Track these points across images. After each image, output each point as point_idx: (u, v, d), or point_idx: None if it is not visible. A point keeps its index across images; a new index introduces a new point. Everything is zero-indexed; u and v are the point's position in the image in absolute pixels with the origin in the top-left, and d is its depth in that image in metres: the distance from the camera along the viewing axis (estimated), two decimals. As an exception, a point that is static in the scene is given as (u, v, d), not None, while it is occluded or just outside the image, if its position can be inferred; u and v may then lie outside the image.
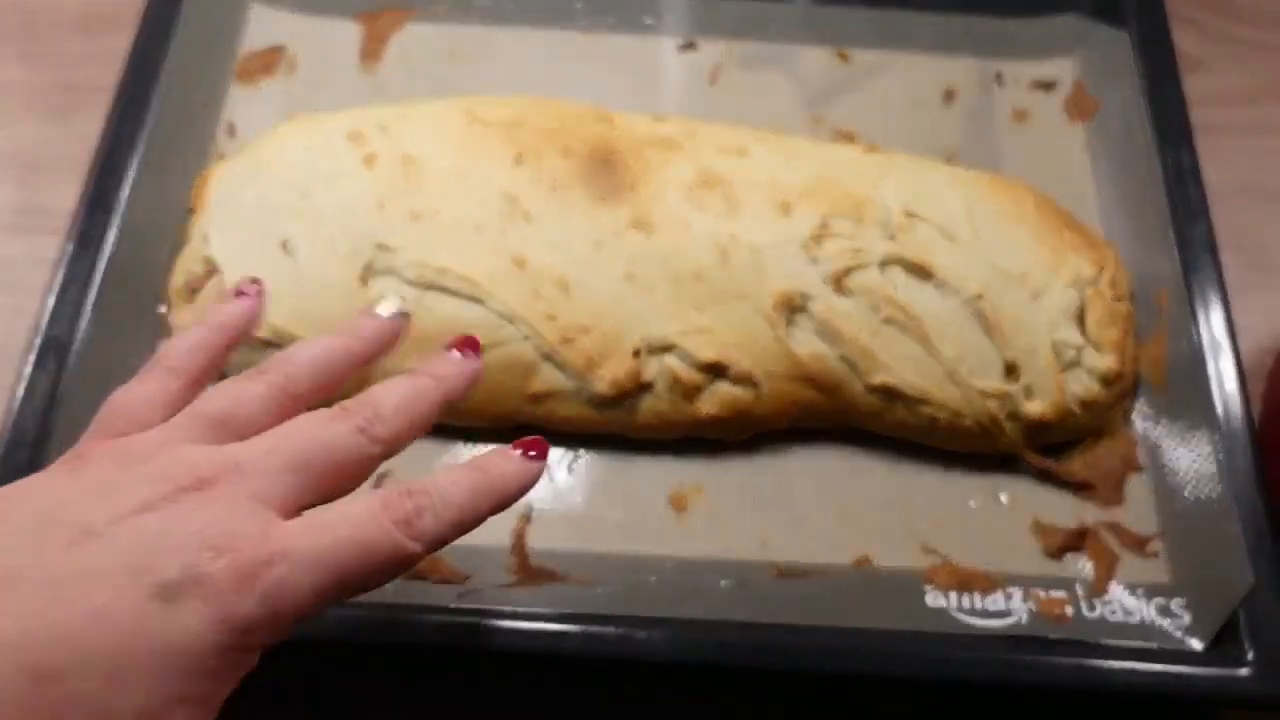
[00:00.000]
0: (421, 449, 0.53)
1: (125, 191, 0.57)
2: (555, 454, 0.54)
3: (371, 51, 0.65)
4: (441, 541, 0.34)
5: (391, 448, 0.36)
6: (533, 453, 0.38)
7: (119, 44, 0.62)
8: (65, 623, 0.28)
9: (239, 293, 0.44)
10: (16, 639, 0.28)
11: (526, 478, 0.37)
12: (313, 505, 0.34)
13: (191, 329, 0.40)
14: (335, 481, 0.35)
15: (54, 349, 0.53)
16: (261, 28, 0.65)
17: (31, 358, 0.52)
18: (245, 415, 0.35)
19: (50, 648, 0.28)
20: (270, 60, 0.64)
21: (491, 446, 0.53)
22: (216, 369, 0.40)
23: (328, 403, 0.37)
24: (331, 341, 0.40)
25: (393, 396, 0.37)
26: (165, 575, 0.29)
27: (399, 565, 0.33)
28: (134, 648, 0.29)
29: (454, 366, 0.41)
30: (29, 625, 0.28)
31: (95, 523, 0.30)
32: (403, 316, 0.44)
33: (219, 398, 0.36)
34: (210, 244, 0.54)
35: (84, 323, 0.53)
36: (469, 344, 0.42)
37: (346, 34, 0.66)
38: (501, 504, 0.36)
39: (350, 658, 0.51)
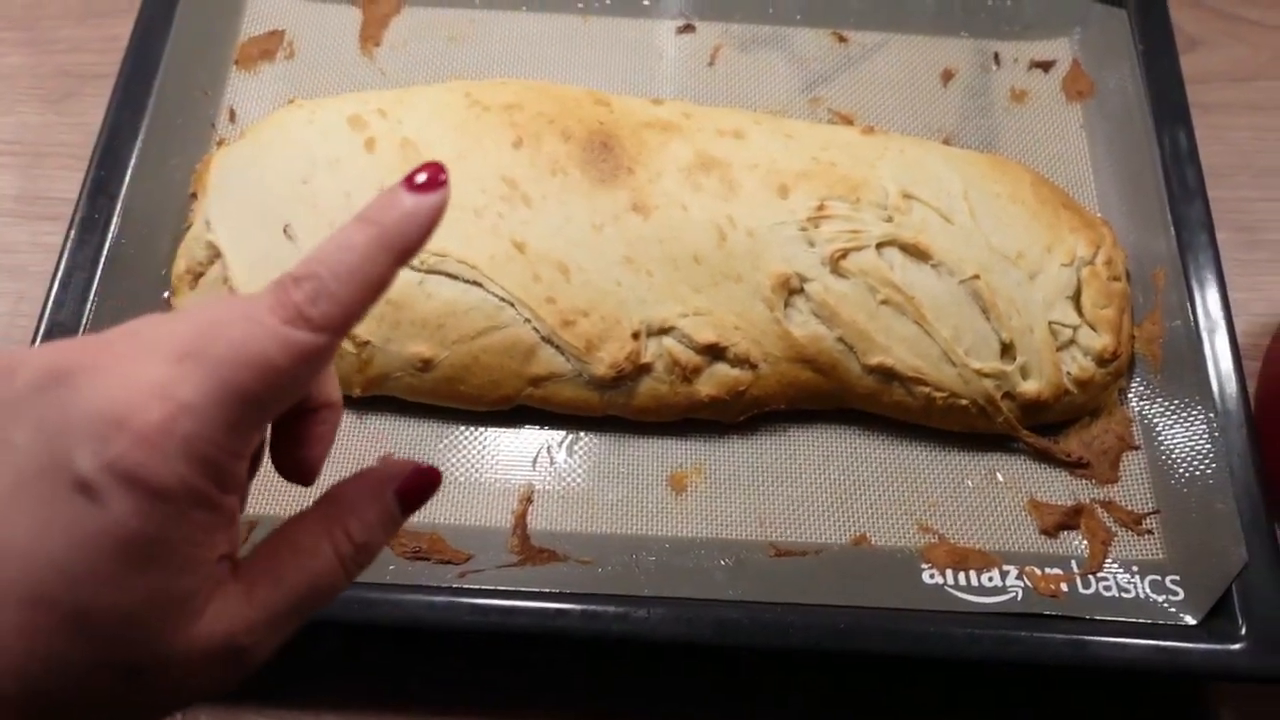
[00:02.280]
0: (421, 433, 0.54)
1: (127, 177, 0.57)
2: (556, 435, 0.54)
3: (370, 36, 0.65)
4: (350, 317, 0.29)
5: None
6: (433, 178, 0.30)
7: (120, 31, 0.62)
8: (10, 541, 0.26)
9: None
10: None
11: (425, 212, 0.30)
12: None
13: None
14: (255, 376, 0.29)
15: (57, 335, 0.53)
16: (261, 13, 0.66)
17: (37, 344, 0.53)
18: None
19: (3, 565, 0.26)
20: (270, 45, 0.65)
21: (494, 430, 0.54)
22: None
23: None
24: None
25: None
26: (79, 468, 0.26)
27: (304, 364, 0.29)
28: (85, 551, 0.27)
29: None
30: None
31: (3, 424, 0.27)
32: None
33: None
34: (212, 229, 0.54)
35: (87, 308, 0.54)
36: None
37: (345, 18, 0.66)
38: (406, 252, 0.30)
39: (351, 637, 0.52)
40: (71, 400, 0.27)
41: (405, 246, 0.30)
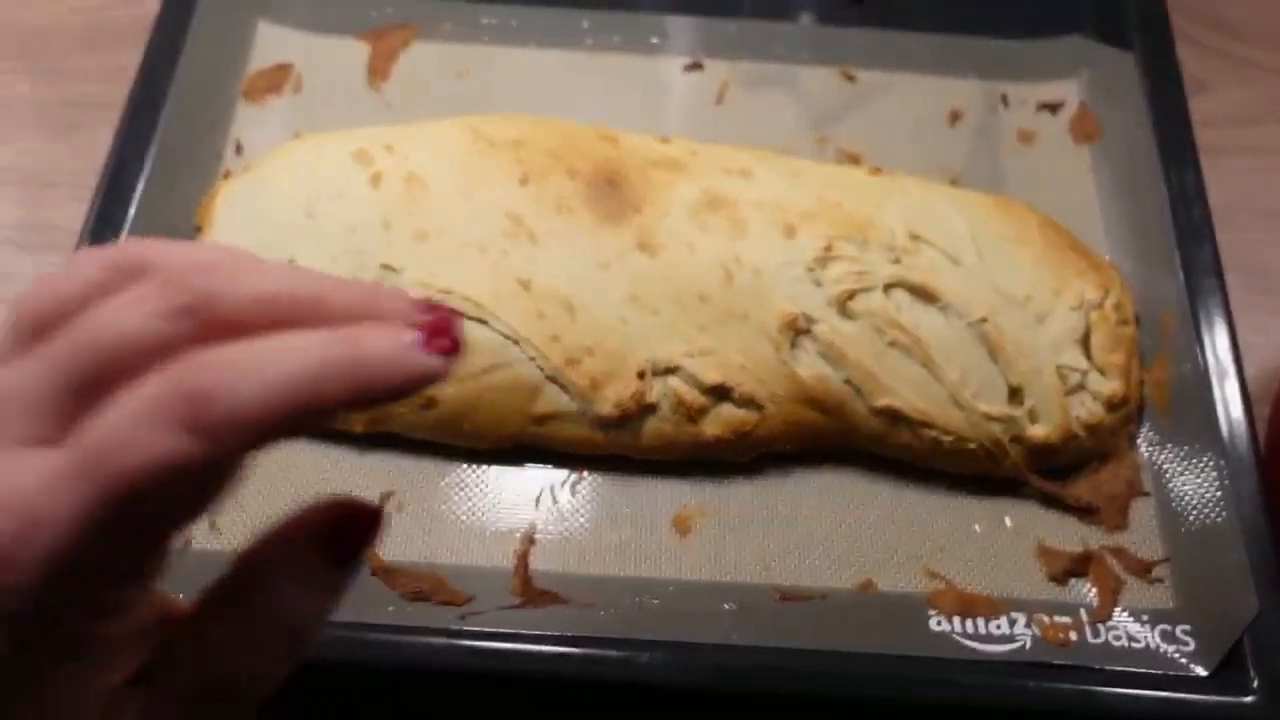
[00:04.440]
0: (422, 471, 0.53)
1: (132, 208, 0.57)
2: (559, 475, 0.54)
3: (378, 70, 0.65)
4: (254, 429, 0.22)
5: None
6: (444, 341, 0.24)
7: (127, 61, 0.62)
8: None
9: None
10: None
11: (411, 369, 0.23)
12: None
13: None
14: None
15: (59, 367, 0.53)
16: (269, 46, 0.66)
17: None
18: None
19: None
20: (277, 78, 0.65)
21: (497, 468, 0.54)
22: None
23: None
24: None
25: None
26: None
27: (183, 479, 0.22)
28: None
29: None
30: None
31: None
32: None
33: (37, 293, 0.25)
34: (216, 263, 0.54)
35: (89, 341, 0.53)
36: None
37: (353, 52, 0.66)
38: (363, 392, 0.23)
39: (349, 680, 0.51)
40: None
41: (365, 388, 0.23)
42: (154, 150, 0.59)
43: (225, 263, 0.24)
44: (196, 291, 0.23)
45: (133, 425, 0.22)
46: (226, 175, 0.61)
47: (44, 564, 0.22)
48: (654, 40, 0.67)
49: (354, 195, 0.55)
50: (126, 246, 0.25)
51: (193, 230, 0.58)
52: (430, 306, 0.25)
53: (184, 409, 0.22)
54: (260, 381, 0.22)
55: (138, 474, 0.22)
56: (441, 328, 0.24)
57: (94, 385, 0.23)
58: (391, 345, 0.23)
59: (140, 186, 0.58)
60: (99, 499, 0.22)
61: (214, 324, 0.23)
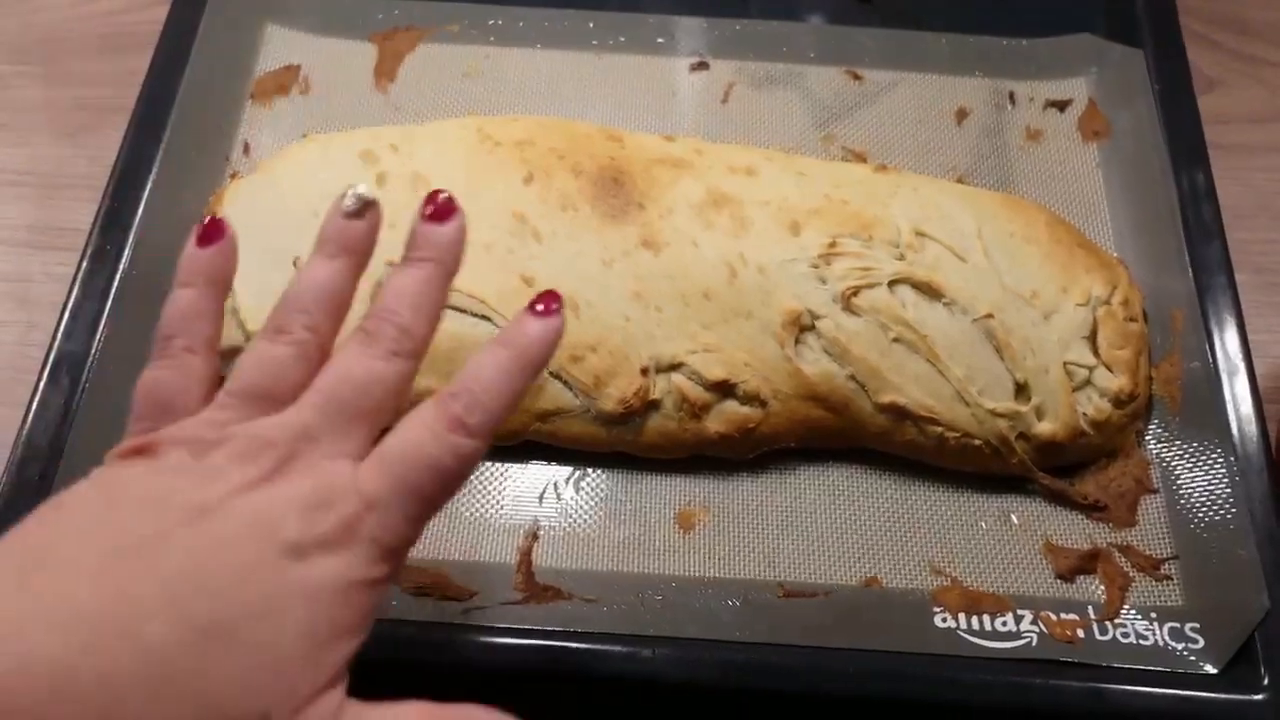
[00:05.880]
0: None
1: (140, 209, 0.58)
2: (563, 471, 0.54)
3: (385, 71, 0.66)
4: (496, 425, 0.36)
5: (423, 353, 0.38)
6: (549, 307, 0.37)
7: (138, 65, 0.63)
8: (217, 579, 0.31)
9: (203, 240, 0.39)
10: (173, 595, 0.30)
11: (550, 335, 0.37)
12: (378, 434, 0.36)
13: (180, 293, 0.39)
14: (386, 410, 0.36)
15: (68, 365, 0.53)
16: (277, 48, 0.66)
17: (45, 373, 0.53)
18: (282, 383, 0.36)
19: (211, 600, 0.30)
20: (285, 80, 0.65)
21: (501, 464, 0.54)
22: (220, 327, 0.39)
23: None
24: (321, 271, 0.38)
25: (405, 300, 0.37)
26: (289, 536, 0.32)
27: (467, 465, 0.35)
28: (285, 593, 0.31)
29: (442, 238, 0.38)
30: (180, 586, 0.30)
31: (206, 501, 0.32)
32: (370, 206, 0.39)
33: (251, 373, 0.36)
34: (222, 261, 0.54)
35: (96, 338, 0.54)
36: (549, 302, 0.38)
37: (361, 54, 0.66)
38: (536, 369, 0.37)
39: (350, 674, 0.51)
40: (275, 491, 0.33)
41: (535, 366, 0.37)
42: (162, 152, 0.59)
43: (391, 302, 0.38)
44: (394, 336, 0.37)
45: (430, 435, 0.35)
46: (234, 176, 0.61)
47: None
48: (659, 40, 0.67)
49: (360, 194, 0.55)
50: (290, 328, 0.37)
51: (200, 230, 0.58)
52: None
53: (454, 421, 0.35)
54: (491, 392, 0.35)
55: (434, 466, 0.34)
56: (541, 298, 0.37)
57: (355, 417, 0.35)
58: (528, 331, 0.37)
59: (148, 187, 0.58)
60: (408, 487, 0.34)
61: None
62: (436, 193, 0.38)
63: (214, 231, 0.39)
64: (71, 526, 0.32)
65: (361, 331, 0.37)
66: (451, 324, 0.52)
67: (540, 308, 0.37)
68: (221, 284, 0.40)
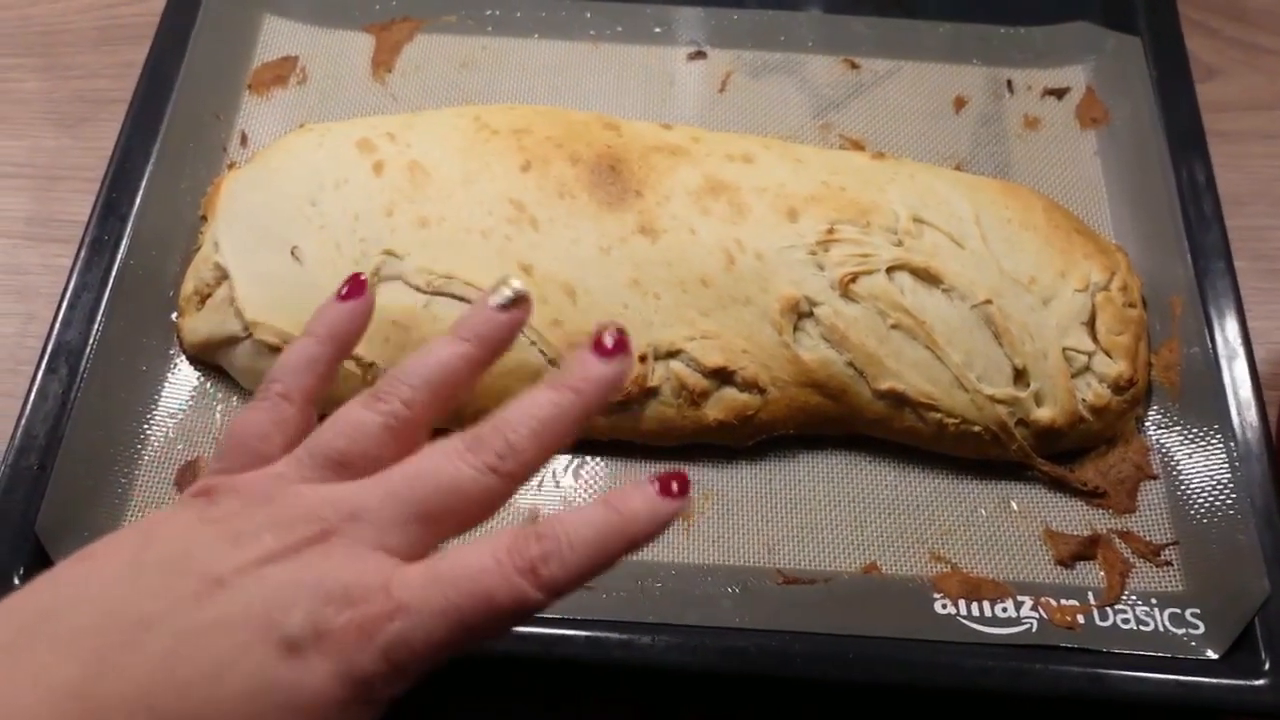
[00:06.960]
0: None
1: (138, 200, 0.57)
2: (561, 459, 0.54)
3: (382, 61, 0.66)
4: (569, 588, 0.31)
5: (524, 479, 0.34)
6: (673, 488, 0.33)
7: (135, 57, 0.63)
8: (194, 674, 0.29)
9: (343, 295, 0.39)
10: (147, 687, 0.29)
11: (661, 518, 0.32)
12: (437, 544, 0.34)
13: (299, 341, 0.39)
14: (460, 521, 0.34)
15: (65, 355, 0.53)
16: (274, 39, 0.66)
17: (43, 364, 0.53)
18: (363, 452, 0.34)
19: (180, 698, 0.29)
20: (283, 71, 0.65)
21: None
22: (329, 383, 0.39)
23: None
24: (446, 350, 0.36)
25: (527, 422, 0.34)
26: (289, 629, 0.30)
27: (522, 615, 0.31)
28: (260, 700, 0.29)
29: (596, 372, 0.35)
30: (159, 675, 0.29)
31: (223, 573, 0.30)
32: (522, 303, 0.37)
33: (336, 436, 0.35)
34: (220, 251, 0.54)
35: (94, 329, 0.54)
36: (615, 341, 0.35)
37: (358, 44, 0.66)
38: (633, 546, 0.32)
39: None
40: (301, 567, 0.31)
41: (633, 543, 0.32)
42: (160, 143, 0.59)
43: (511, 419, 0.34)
44: (500, 452, 0.33)
45: (495, 566, 0.31)
46: (232, 166, 0.61)
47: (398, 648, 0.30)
48: (657, 30, 0.67)
49: (357, 183, 0.55)
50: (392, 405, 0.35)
51: (198, 220, 0.58)
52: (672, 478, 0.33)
53: (526, 565, 0.31)
54: (572, 551, 0.31)
55: (487, 600, 0.30)
56: (671, 477, 0.33)
57: (419, 518, 0.32)
58: (644, 503, 0.32)
59: (146, 178, 0.58)
60: (451, 611, 0.30)
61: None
62: (618, 329, 0.35)
63: (355, 290, 0.39)
64: (83, 593, 0.31)
65: (471, 434, 0.34)
66: (449, 312, 0.52)
67: (672, 488, 0.33)
68: (342, 340, 0.39)
